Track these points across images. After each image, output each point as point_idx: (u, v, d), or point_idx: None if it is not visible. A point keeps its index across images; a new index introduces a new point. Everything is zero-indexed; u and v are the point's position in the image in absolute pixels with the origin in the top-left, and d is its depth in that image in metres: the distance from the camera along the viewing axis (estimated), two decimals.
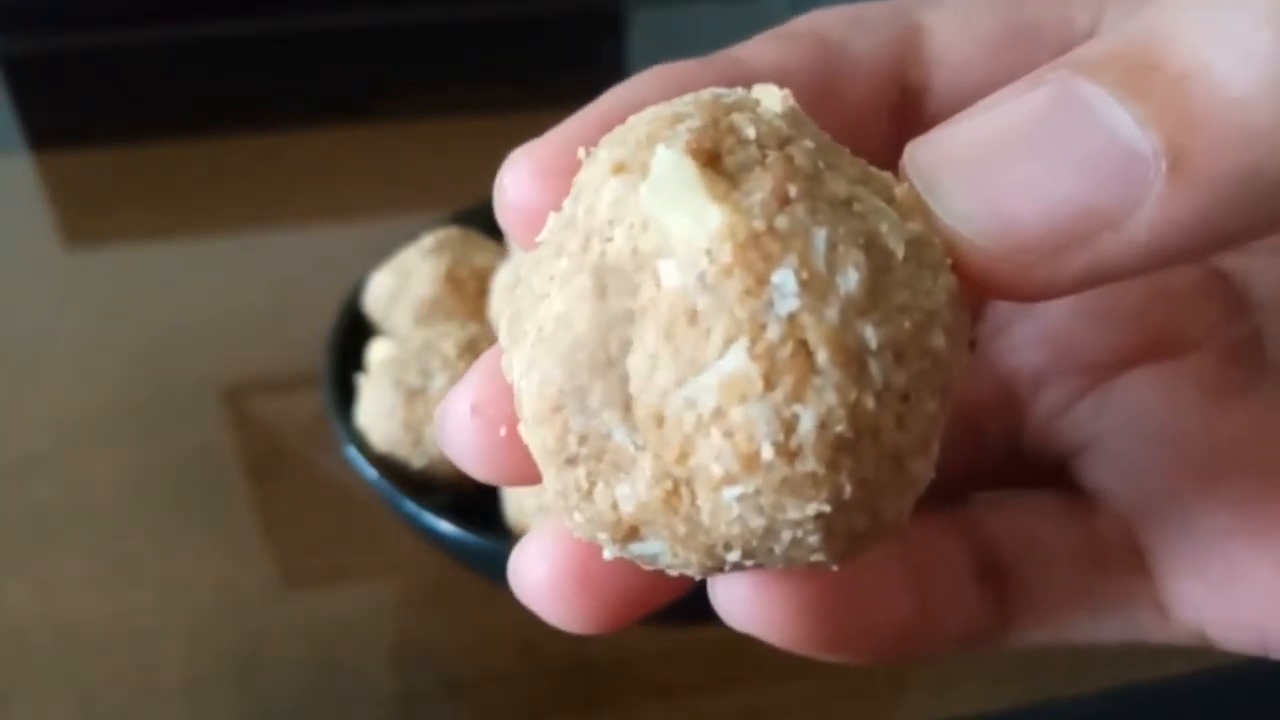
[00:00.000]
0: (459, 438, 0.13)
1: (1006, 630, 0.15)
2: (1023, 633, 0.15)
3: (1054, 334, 0.16)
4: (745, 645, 0.14)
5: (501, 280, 0.42)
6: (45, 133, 0.80)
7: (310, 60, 0.91)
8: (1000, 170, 0.11)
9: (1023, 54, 0.15)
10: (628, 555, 0.12)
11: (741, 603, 0.13)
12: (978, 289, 0.11)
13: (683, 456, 0.10)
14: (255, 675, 0.36)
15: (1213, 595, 0.14)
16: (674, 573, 0.12)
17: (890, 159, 0.12)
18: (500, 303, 0.41)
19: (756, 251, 0.10)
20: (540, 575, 0.13)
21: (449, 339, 0.39)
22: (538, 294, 0.12)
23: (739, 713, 0.33)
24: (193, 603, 0.39)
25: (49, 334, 0.56)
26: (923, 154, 0.12)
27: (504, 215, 0.14)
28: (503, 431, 0.13)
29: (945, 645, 0.15)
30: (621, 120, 0.12)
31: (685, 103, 0.12)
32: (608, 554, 0.12)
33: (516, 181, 0.13)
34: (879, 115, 0.15)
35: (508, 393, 0.12)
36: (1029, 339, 0.17)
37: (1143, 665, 0.36)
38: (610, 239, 0.11)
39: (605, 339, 0.11)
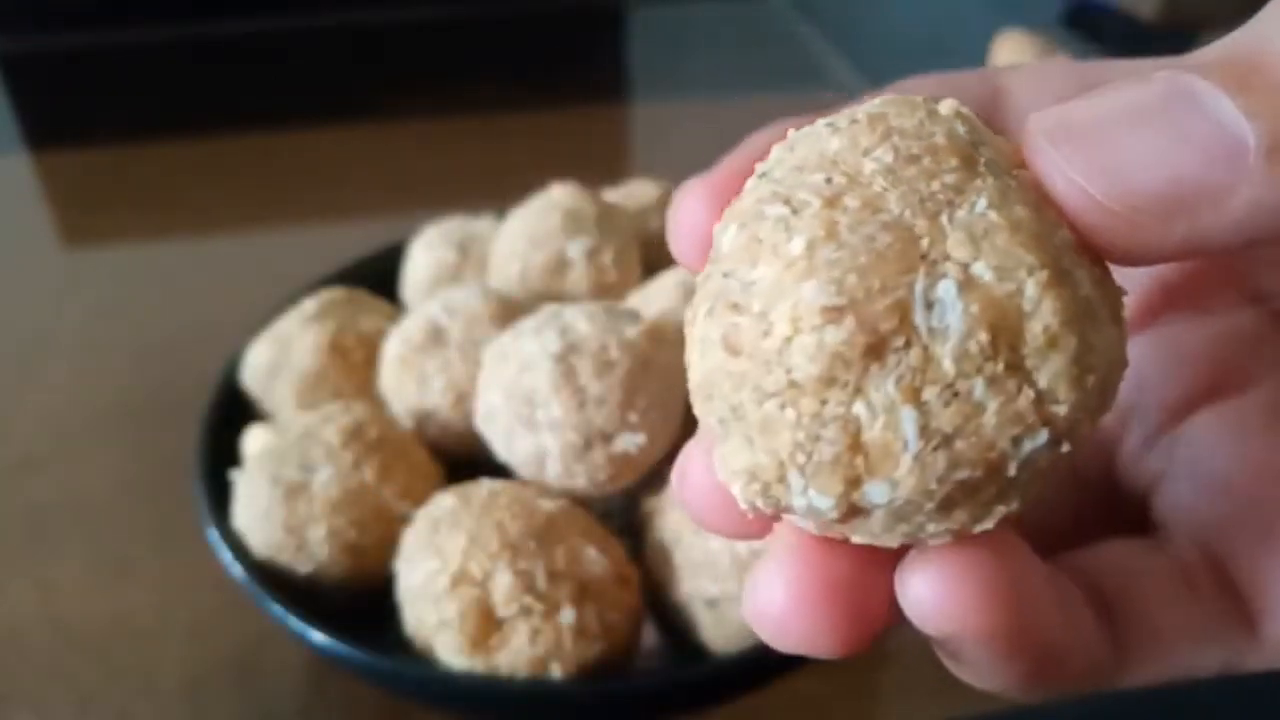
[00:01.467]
0: (701, 492, 0.14)
1: (1123, 665, 0.15)
2: (1137, 666, 0.15)
3: (1134, 380, 0.17)
4: None
5: (392, 349, 0.38)
6: (44, 133, 0.80)
7: (310, 60, 0.91)
8: (1124, 137, 0.12)
9: None
10: (845, 518, 0.12)
11: (933, 594, 0.13)
12: (1092, 245, 0.13)
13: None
14: (255, 675, 0.36)
15: None
16: (877, 538, 0.13)
17: None
18: (392, 375, 0.37)
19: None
20: (781, 596, 0.13)
21: (331, 424, 0.34)
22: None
23: (739, 712, 0.33)
24: (193, 603, 0.39)
25: (48, 334, 0.56)
26: (1048, 121, 0.13)
27: (677, 242, 0.15)
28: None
29: (1075, 675, 0.15)
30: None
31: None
32: (821, 522, 0.13)
33: (692, 206, 0.15)
34: None
35: None
36: None
37: None
38: None
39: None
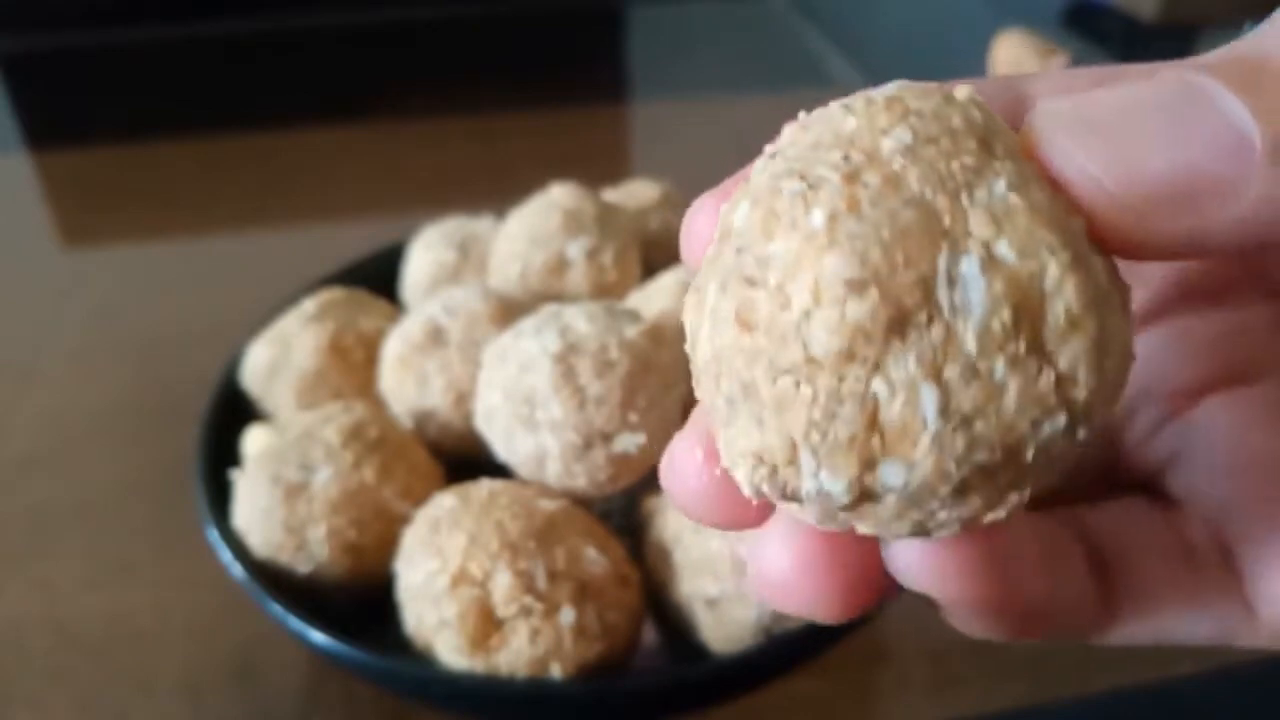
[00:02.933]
0: (691, 484, 0.14)
1: (1111, 622, 0.16)
2: (1125, 626, 0.16)
3: (1146, 367, 0.18)
4: None
5: (392, 349, 0.38)
6: (44, 133, 0.80)
7: (309, 60, 0.91)
8: (1134, 127, 0.12)
9: None
10: (856, 504, 0.12)
11: (919, 562, 0.14)
12: (1097, 233, 0.13)
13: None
14: (255, 675, 0.36)
15: None
16: (884, 527, 0.13)
17: None
18: (392, 375, 0.37)
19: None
20: (786, 562, 0.14)
21: (332, 424, 0.34)
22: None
23: (740, 711, 0.33)
24: (193, 603, 0.39)
25: (48, 334, 0.56)
26: (1058, 110, 0.13)
27: (691, 255, 0.15)
28: (719, 472, 0.14)
29: (1060, 630, 0.16)
30: None
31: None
32: (830, 511, 0.13)
33: (706, 219, 0.15)
34: None
35: None
36: None
37: (1146, 666, 0.36)
38: None
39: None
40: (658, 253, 0.44)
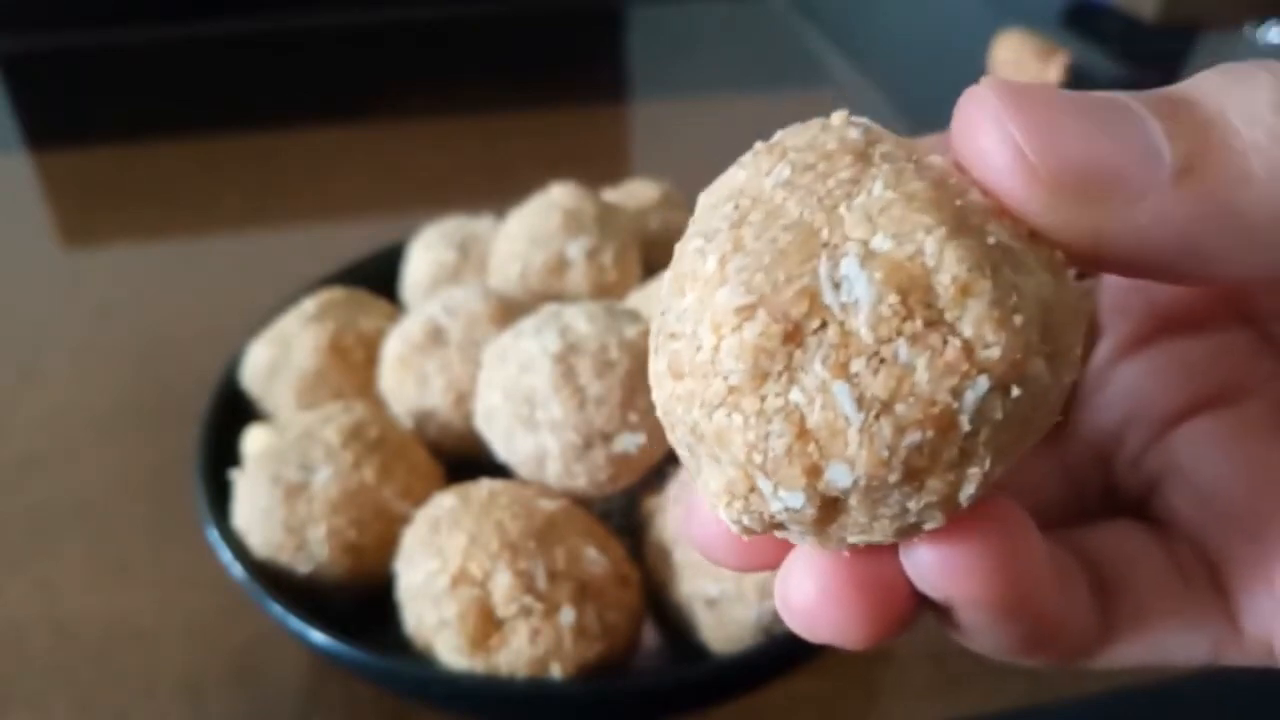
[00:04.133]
0: (711, 530, 0.15)
1: (1108, 642, 0.16)
2: (1121, 646, 0.16)
3: (1132, 393, 0.18)
4: None
5: (392, 349, 0.37)
6: (44, 133, 0.80)
7: (309, 60, 0.91)
8: (1062, 113, 0.13)
9: None
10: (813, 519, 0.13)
11: (937, 562, 0.14)
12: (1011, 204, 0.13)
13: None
14: (255, 675, 0.36)
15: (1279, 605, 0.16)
16: (870, 533, 0.13)
17: None
18: (392, 375, 0.37)
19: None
20: (810, 590, 0.14)
21: (332, 424, 0.34)
22: None
23: (740, 711, 0.33)
24: (193, 603, 0.39)
25: (48, 334, 0.56)
26: (998, 81, 0.13)
27: None
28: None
29: (1064, 648, 0.16)
30: None
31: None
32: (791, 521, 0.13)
33: None
34: None
35: None
36: (1111, 400, 0.19)
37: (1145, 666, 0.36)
38: None
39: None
40: (658, 253, 0.44)
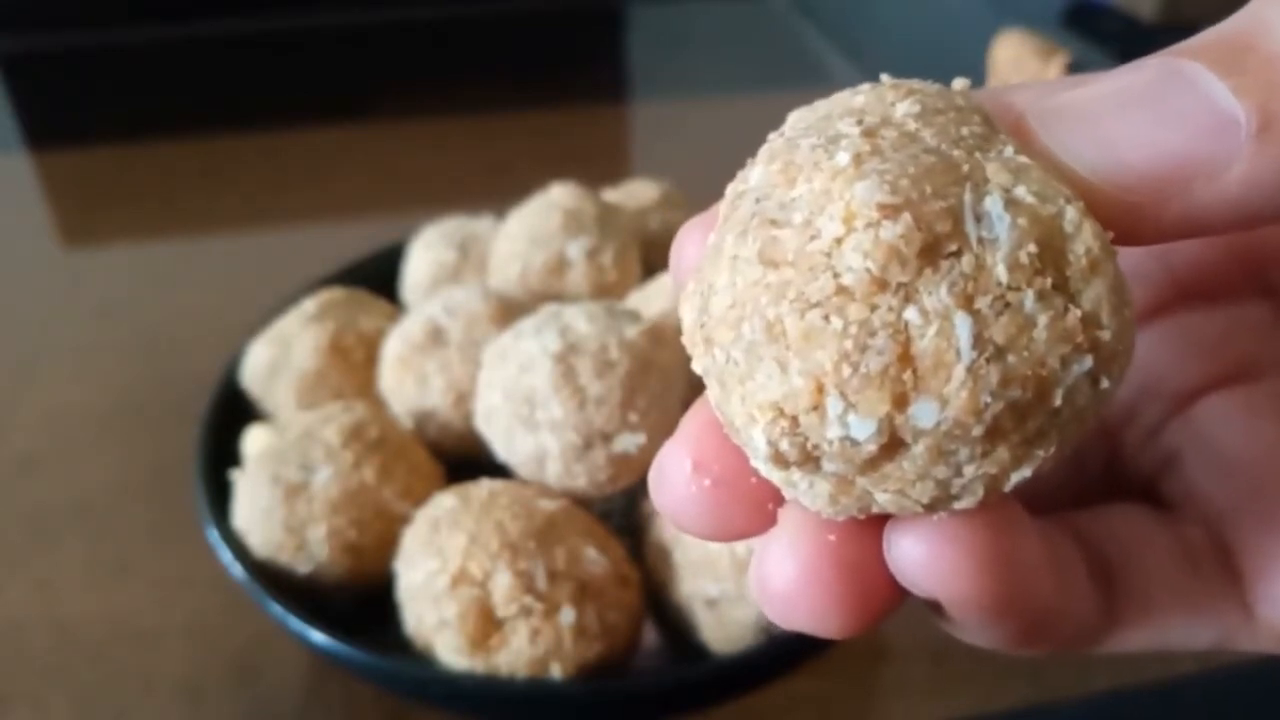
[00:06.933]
0: (680, 494, 0.14)
1: (1111, 630, 0.15)
2: (1125, 633, 0.16)
3: (1147, 365, 0.18)
4: None
5: (392, 349, 0.38)
6: (44, 133, 0.80)
7: (309, 60, 0.91)
8: (1116, 119, 0.12)
9: None
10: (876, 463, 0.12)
11: (926, 557, 0.13)
12: (1102, 223, 0.13)
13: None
14: (255, 675, 0.36)
15: None
16: (903, 495, 0.12)
17: None
18: (392, 375, 0.37)
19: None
20: (791, 570, 0.13)
21: (332, 424, 0.34)
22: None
23: (740, 711, 0.33)
24: (193, 603, 0.39)
25: (48, 334, 0.56)
26: (1048, 103, 0.13)
27: (680, 280, 0.15)
28: (708, 483, 0.14)
29: (1064, 638, 0.15)
30: None
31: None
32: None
33: (694, 245, 0.14)
34: None
35: (728, 445, 0.13)
36: None
37: (1146, 666, 0.36)
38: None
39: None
40: (658, 253, 0.44)
